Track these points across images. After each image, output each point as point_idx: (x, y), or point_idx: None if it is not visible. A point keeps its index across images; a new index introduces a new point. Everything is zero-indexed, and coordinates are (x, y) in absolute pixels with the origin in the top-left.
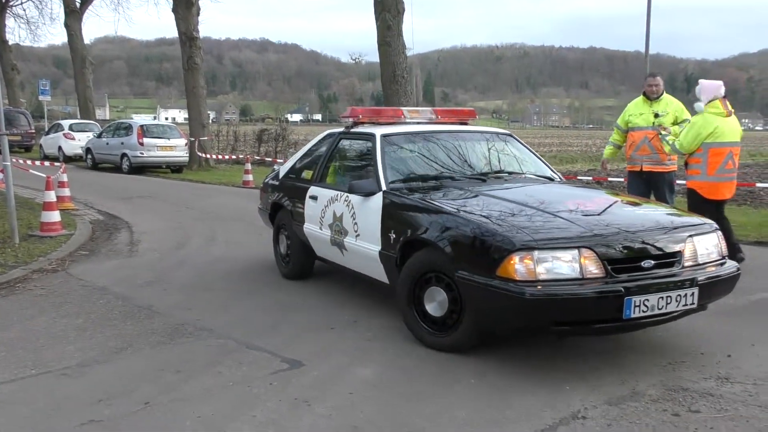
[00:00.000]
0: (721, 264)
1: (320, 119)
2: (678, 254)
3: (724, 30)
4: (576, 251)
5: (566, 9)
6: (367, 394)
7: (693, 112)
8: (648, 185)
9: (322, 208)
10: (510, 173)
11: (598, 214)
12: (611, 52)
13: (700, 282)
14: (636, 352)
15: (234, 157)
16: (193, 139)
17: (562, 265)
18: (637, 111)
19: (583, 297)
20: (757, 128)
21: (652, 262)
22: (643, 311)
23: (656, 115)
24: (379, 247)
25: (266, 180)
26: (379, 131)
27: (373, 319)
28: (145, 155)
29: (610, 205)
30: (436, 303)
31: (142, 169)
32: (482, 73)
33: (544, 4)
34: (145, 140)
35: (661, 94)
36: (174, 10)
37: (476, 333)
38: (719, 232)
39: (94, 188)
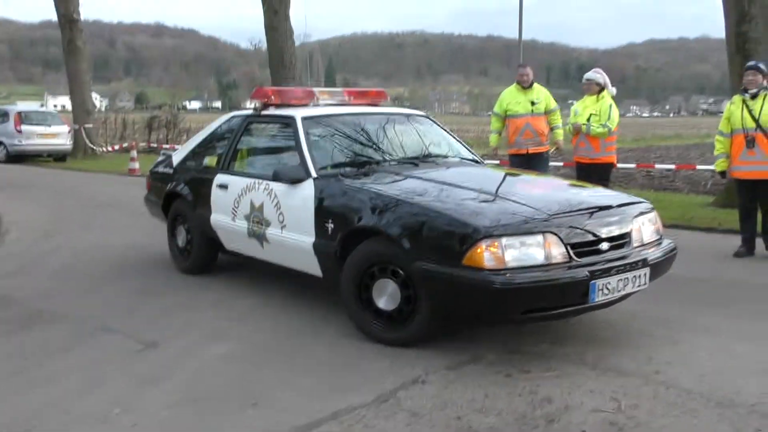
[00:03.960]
0: (660, 243)
1: (220, 107)
2: (627, 235)
3: (612, 20)
4: (541, 236)
5: None
6: (217, 369)
7: (571, 102)
8: (529, 165)
9: (235, 197)
10: (438, 156)
11: (550, 198)
12: (508, 40)
13: (650, 262)
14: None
15: (123, 146)
16: (77, 126)
17: (529, 251)
18: (513, 99)
19: (551, 284)
20: (644, 115)
21: (608, 244)
22: (605, 294)
23: (533, 103)
24: (312, 239)
25: (155, 168)
26: (298, 114)
27: (236, 299)
28: (23, 143)
29: (556, 188)
30: (386, 296)
31: (21, 158)
32: (384, 60)
33: None
34: (24, 127)
35: (532, 83)
36: None
37: (433, 325)
38: (655, 211)
39: None
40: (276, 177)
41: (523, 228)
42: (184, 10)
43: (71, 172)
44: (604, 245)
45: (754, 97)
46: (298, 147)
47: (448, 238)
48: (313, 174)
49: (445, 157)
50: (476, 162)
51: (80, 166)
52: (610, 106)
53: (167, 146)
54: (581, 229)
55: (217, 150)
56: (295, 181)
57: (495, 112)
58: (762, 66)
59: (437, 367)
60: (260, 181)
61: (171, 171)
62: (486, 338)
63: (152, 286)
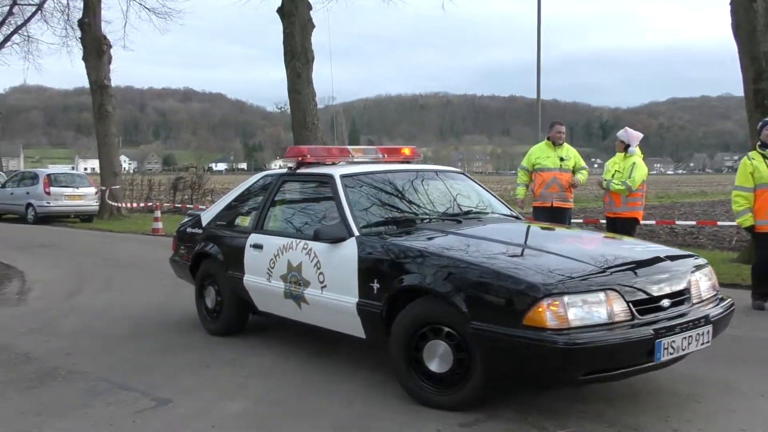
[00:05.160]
0: (717, 298)
1: (245, 168)
2: (687, 291)
3: (633, 80)
4: (602, 293)
5: (483, 60)
6: (228, 427)
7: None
8: (553, 219)
9: (270, 257)
10: (478, 212)
11: (607, 254)
12: (531, 100)
13: (712, 319)
14: None
15: (149, 204)
16: (104, 188)
17: (591, 309)
18: (543, 155)
19: (616, 343)
20: (668, 172)
21: (669, 301)
22: (670, 353)
23: (561, 159)
24: (356, 299)
25: (182, 228)
26: (336, 172)
27: (252, 357)
28: (51, 205)
29: (608, 244)
30: (438, 358)
31: (49, 219)
32: (407, 121)
33: (461, 57)
34: (52, 189)
35: (563, 141)
36: (84, 59)
37: (488, 386)
38: (710, 266)
39: None
40: (316, 236)
41: (585, 285)
42: (212, 75)
43: (96, 232)
44: (665, 302)
45: None
46: (338, 205)
47: (507, 296)
48: (356, 232)
49: (485, 213)
50: (516, 218)
51: (105, 227)
52: (633, 164)
53: (191, 207)
54: (641, 285)
55: (249, 209)
56: (336, 240)
57: (523, 167)
58: None
59: (451, 425)
60: (298, 240)
61: (200, 231)
62: (502, 395)
63: (170, 345)
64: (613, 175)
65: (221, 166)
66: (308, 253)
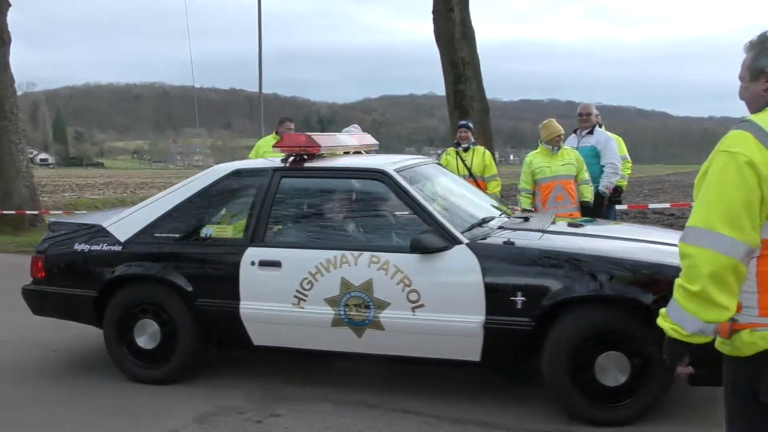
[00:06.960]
0: None
1: None
2: None
3: (351, 77)
4: None
5: (204, 52)
6: None
7: None
8: None
9: (304, 277)
10: (508, 207)
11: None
12: (251, 93)
13: None
14: (221, 367)
15: None
16: None
17: None
18: (269, 148)
19: None
20: None
21: None
22: None
23: None
24: (481, 317)
25: (66, 246)
26: (387, 167)
27: None
28: None
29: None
30: (615, 372)
31: None
32: (120, 112)
33: (179, 48)
34: None
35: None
36: None
37: (663, 395)
38: None
39: None
40: (416, 248)
41: None
42: None
43: None
44: None
45: (466, 150)
46: (415, 208)
47: None
48: (463, 239)
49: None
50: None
51: None
52: None
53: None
54: None
55: (225, 216)
56: (435, 250)
57: (250, 158)
58: (471, 125)
59: (186, 421)
60: (356, 252)
61: (117, 248)
62: (229, 387)
63: None
64: None
65: None
66: (383, 267)
